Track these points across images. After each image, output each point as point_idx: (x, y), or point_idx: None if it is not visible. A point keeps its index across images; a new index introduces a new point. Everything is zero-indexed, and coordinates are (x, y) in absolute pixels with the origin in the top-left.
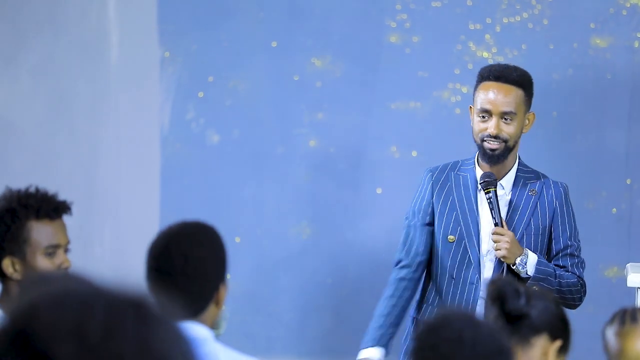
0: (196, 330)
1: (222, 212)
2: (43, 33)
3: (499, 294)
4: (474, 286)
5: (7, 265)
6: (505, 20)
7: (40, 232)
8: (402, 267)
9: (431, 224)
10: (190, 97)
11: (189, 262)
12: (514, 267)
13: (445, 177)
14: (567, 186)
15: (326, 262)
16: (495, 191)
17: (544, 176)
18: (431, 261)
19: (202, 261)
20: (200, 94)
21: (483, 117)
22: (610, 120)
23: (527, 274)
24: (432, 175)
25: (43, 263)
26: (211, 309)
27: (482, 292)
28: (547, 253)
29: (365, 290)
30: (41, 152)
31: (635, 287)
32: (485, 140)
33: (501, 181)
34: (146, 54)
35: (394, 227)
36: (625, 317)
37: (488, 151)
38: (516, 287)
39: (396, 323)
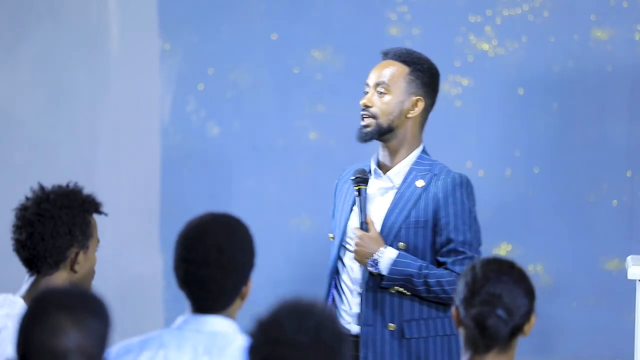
0: (224, 324)
1: (222, 204)
2: (43, 25)
3: (481, 318)
4: (333, 280)
5: (73, 254)
6: (505, 13)
7: (95, 228)
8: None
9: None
10: (191, 89)
11: (223, 254)
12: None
13: (346, 173)
14: (462, 178)
15: (326, 254)
16: (365, 189)
17: (442, 168)
18: None
19: (236, 253)
20: (201, 86)
21: None
22: (611, 113)
23: (381, 273)
24: (337, 184)
25: (94, 259)
26: (236, 303)
27: (346, 285)
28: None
29: None
30: (41, 143)
31: (636, 280)
32: None
33: (389, 173)
34: (146, 46)
35: None
36: None
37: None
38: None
39: None
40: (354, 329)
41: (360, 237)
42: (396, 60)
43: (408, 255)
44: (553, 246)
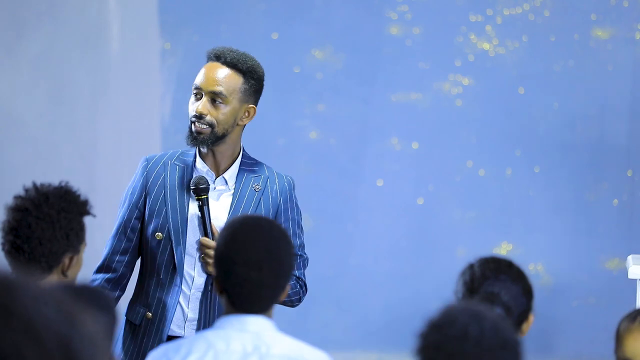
0: (265, 324)
1: None
2: (43, 24)
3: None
4: (177, 289)
5: (67, 259)
6: (506, 12)
7: (85, 230)
8: (99, 268)
9: (140, 218)
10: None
11: (274, 257)
12: None
13: (161, 166)
14: (293, 180)
15: (327, 254)
16: (207, 199)
17: (269, 168)
18: (143, 257)
19: (284, 255)
20: None
21: None
22: (612, 112)
23: None
24: (147, 165)
25: (82, 261)
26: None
27: (190, 295)
28: None
29: (366, 281)
30: (41, 143)
31: (636, 279)
32: None
33: (224, 175)
34: (147, 45)
35: (395, 218)
36: (637, 316)
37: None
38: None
39: None
40: (190, 333)
41: (213, 248)
42: (230, 68)
43: None
44: (553, 246)
